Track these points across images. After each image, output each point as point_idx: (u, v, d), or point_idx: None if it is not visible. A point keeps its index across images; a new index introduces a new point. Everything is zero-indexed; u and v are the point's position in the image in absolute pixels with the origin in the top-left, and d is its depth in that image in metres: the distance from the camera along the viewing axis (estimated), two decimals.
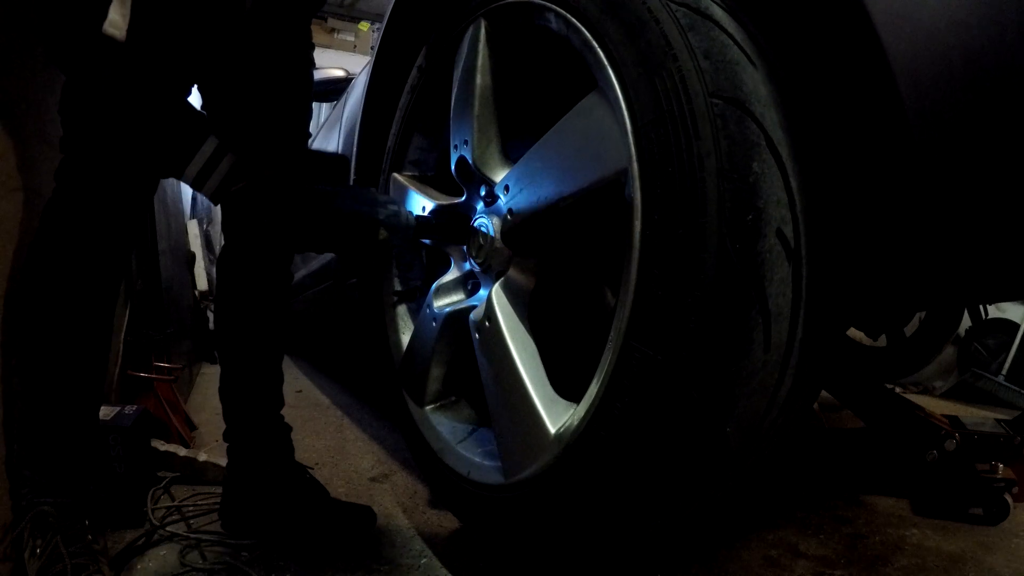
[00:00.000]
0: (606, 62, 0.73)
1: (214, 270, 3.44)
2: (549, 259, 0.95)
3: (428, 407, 1.14)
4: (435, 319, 1.09)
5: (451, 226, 1.04)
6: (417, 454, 1.16)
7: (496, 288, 0.93)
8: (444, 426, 1.11)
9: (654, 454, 0.69)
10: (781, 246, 0.63)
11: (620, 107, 0.71)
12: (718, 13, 0.68)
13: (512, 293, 0.92)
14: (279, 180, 0.93)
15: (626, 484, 0.71)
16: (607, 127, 0.73)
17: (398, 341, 1.26)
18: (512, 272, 0.94)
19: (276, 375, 1.11)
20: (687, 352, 0.64)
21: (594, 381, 0.75)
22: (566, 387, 0.86)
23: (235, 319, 1.09)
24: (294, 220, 0.93)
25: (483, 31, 0.98)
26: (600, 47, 0.74)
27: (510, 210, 0.90)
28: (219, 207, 1.04)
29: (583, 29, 0.76)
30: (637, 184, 0.68)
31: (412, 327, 1.25)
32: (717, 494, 0.77)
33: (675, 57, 0.65)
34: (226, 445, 1.09)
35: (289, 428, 1.11)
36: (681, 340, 0.64)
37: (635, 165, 0.69)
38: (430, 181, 1.26)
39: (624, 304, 0.70)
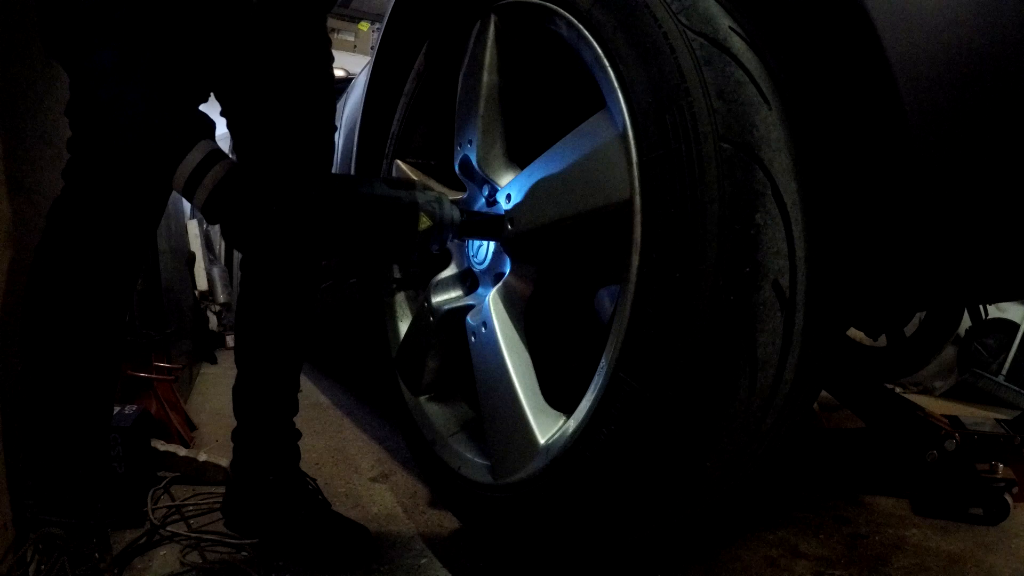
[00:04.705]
0: (616, 85, 0.71)
1: (214, 270, 3.44)
2: (548, 268, 0.95)
3: (423, 396, 1.15)
4: (432, 314, 1.09)
5: (490, 225, 0.90)
6: (411, 443, 1.17)
7: (494, 293, 0.93)
8: (437, 417, 1.11)
9: (636, 479, 0.70)
10: (776, 297, 0.63)
11: (628, 136, 0.69)
12: (736, 45, 0.65)
13: (509, 299, 0.92)
14: (272, 170, 0.78)
15: (607, 502, 0.72)
16: (612, 154, 0.72)
17: (396, 329, 1.26)
18: (510, 278, 0.93)
19: (293, 383, 1.08)
20: (673, 392, 0.64)
21: (584, 400, 0.76)
22: (558, 390, 0.87)
23: (256, 324, 1.05)
24: (308, 219, 0.75)
25: (492, 27, 0.97)
26: (611, 67, 0.72)
27: (511, 219, 0.90)
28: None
29: (595, 44, 0.74)
30: (639, 219, 0.68)
31: (410, 316, 1.25)
32: (695, 517, 0.78)
33: (687, 92, 0.63)
34: (230, 445, 1.08)
35: (298, 435, 1.10)
36: (668, 380, 0.64)
37: (638, 199, 0.68)
38: (433, 172, 1.25)
39: (617, 334, 0.70)
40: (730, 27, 0.66)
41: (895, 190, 0.64)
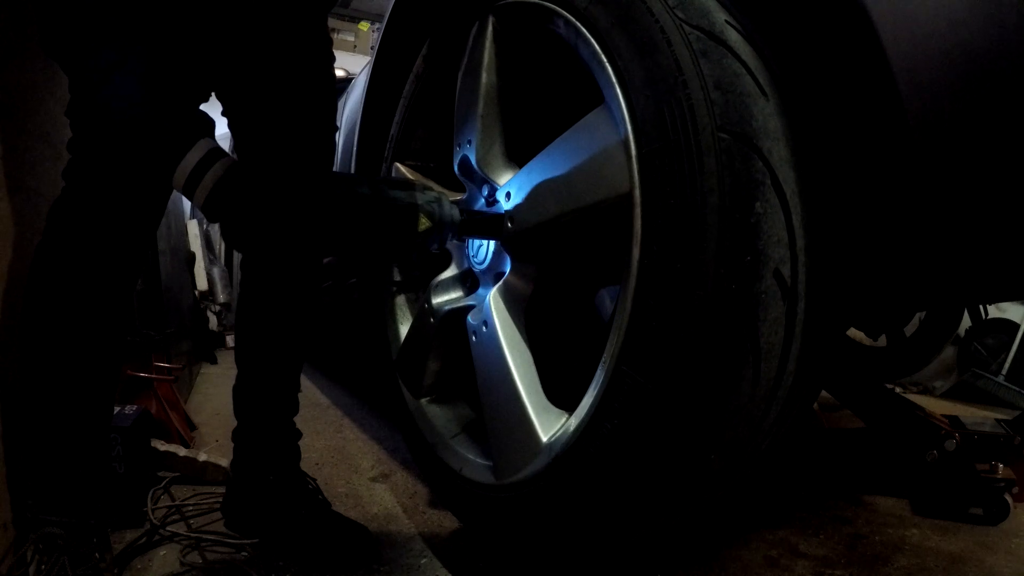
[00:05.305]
0: (614, 80, 0.71)
1: (214, 270, 3.44)
2: (548, 267, 0.95)
3: (424, 399, 1.15)
4: (433, 315, 1.09)
5: (490, 223, 0.91)
6: (412, 445, 1.17)
7: (494, 292, 0.93)
8: (439, 419, 1.11)
9: (640, 475, 0.70)
10: (777, 286, 0.63)
11: (626, 130, 0.69)
12: (733, 37, 0.65)
13: (510, 298, 0.92)
14: (272, 169, 0.79)
15: (611, 498, 0.72)
16: (611, 148, 0.72)
17: (396, 331, 1.26)
18: (511, 277, 0.93)
19: (293, 383, 1.07)
20: (676, 384, 0.64)
21: (586, 396, 0.76)
22: (560, 388, 0.87)
23: (256, 324, 1.04)
24: (307, 218, 0.76)
25: (490, 28, 0.97)
26: (609, 62, 0.72)
27: (511, 218, 0.90)
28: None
29: (592, 41, 0.75)
30: (638, 212, 0.68)
31: (410, 318, 1.25)
32: (700, 510, 0.78)
33: (685, 85, 0.64)
34: (230, 445, 1.08)
35: (298, 435, 1.09)
36: (671, 372, 0.64)
37: (637, 192, 0.68)
38: (432, 175, 1.25)
39: (619, 328, 0.70)
40: (726, 20, 0.66)
41: (894, 188, 0.64)
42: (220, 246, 3.89)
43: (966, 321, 2.68)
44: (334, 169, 1.31)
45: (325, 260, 1.80)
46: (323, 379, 2.73)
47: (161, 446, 1.29)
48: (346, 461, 1.50)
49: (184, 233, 3.02)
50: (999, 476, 1.24)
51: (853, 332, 2.27)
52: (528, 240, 0.89)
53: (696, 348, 0.63)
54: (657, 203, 0.66)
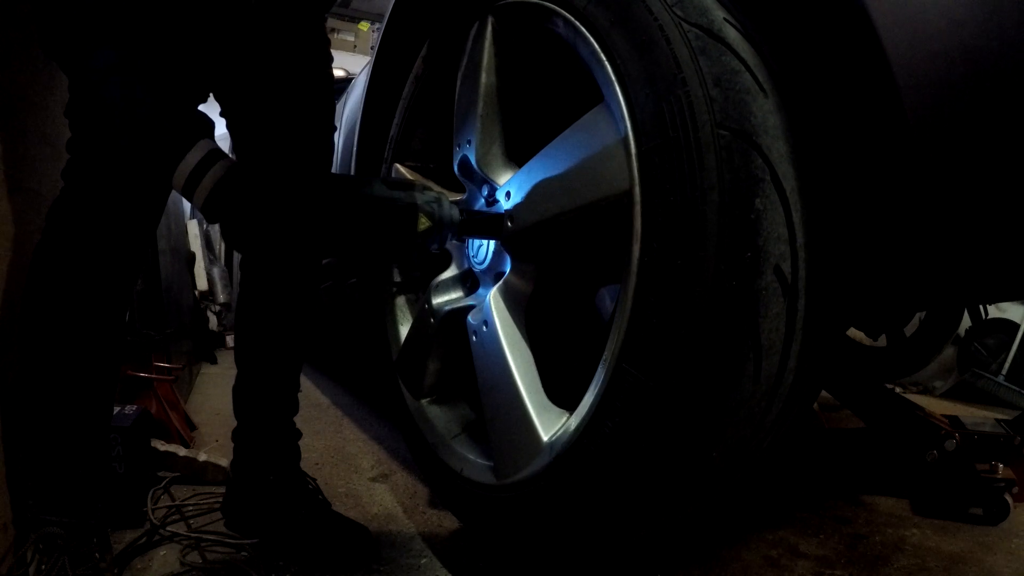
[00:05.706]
0: (613, 78, 0.71)
1: (214, 270, 3.44)
2: (548, 266, 0.95)
3: (424, 400, 1.15)
4: (433, 316, 1.09)
5: (490, 223, 0.91)
6: (412, 446, 1.16)
7: (495, 292, 0.93)
8: (439, 420, 1.11)
9: (642, 473, 0.70)
10: (778, 282, 0.63)
11: (626, 128, 0.70)
12: (731, 35, 0.66)
13: (510, 297, 0.92)
14: (271, 170, 0.78)
15: (613, 496, 0.72)
16: (611, 146, 0.72)
17: (396, 332, 1.26)
18: (511, 276, 0.93)
19: (293, 382, 1.08)
20: (678, 381, 0.64)
21: (587, 395, 0.76)
22: (559, 389, 0.87)
23: (256, 324, 1.05)
24: (307, 219, 0.76)
25: (489, 28, 0.97)
26: (608, 61, 0.72)
27: (511, 217, 0.90)
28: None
29: (591, 39, 0.75)
30: (638, 209, 0.68)
31: (411, 319, 1.25)
32: (702, 507, 0.78)
33: (684, 82, 0.64)
34: (230, 445, 1.08)
35: (298, 435, 1.09)
36: (672, 369, 0.64)
37: (637, 190, 0.68)
38: (432, 176, 1.25)
39: (619, 325, 0.70)
40: (724, 18, 0.67)
41: (894, 187, 0.64)
42: (220, 246, 3.89)
43: (966, 321, 2.68)
44: (333, 169, 1.30)
45: (325, 260, 1.80)
46: (323, 379, 2.73)
47: (161, 446, 1.29)
48: (346, 461, 1.50)
49: (184, 233, 3.02)
50: (999, 476, 1.24)
51: (853, 332, 2.27)
52: (528, 239, 0.89)
53: (697, 345, 0.63)
54: (657, 200, 0.66)
